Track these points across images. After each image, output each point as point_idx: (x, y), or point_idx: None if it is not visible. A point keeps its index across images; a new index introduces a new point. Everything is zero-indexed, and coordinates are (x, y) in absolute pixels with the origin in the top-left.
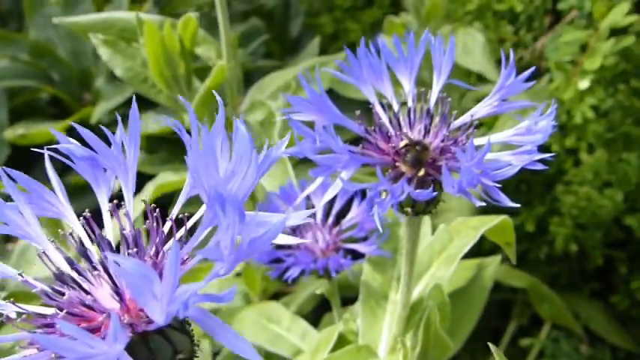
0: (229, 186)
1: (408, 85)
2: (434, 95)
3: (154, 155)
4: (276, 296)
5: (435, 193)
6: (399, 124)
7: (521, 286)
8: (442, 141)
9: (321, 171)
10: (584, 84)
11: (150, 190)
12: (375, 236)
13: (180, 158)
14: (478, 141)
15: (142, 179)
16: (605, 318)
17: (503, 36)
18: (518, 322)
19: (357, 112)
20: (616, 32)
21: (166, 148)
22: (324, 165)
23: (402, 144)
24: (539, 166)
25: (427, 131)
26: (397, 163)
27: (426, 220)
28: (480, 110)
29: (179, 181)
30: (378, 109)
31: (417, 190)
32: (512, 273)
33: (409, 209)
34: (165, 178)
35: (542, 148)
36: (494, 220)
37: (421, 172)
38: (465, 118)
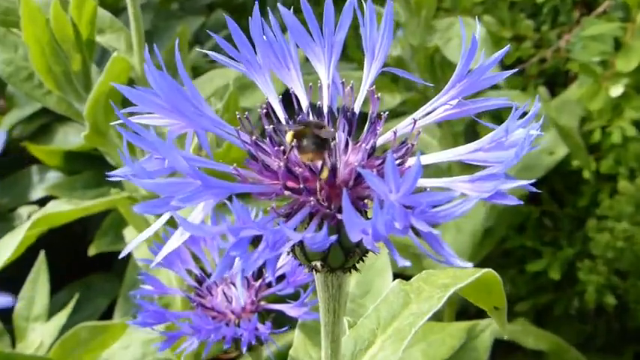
0: None
1: (324, 75)
2: (362, 90)
3: (76, 177)
4: None
5: (332, 238)
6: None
7: (542, 349)
8: (364, 158)
9: (156, 205)
10: (616, 90)
11: (32, 222)
12: (309, 292)
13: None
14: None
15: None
16: None
17: (522, 32)
18: None
19: (245, 114)
20: None
21: (92, 168)
22: (165, 194)
23: (288, 137)
24: (510, 200)
25: (347, 143)
26: (288, 183)
27: (384, 269)
28: (428, 114)
29: (73, 212)
30: (277, 107)
31: (309, 235)
32: (530, 330)
33: (318, 264)
34: (57, 208)
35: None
36: (473, 274)
37: (319, 194)
38: (404, 125)
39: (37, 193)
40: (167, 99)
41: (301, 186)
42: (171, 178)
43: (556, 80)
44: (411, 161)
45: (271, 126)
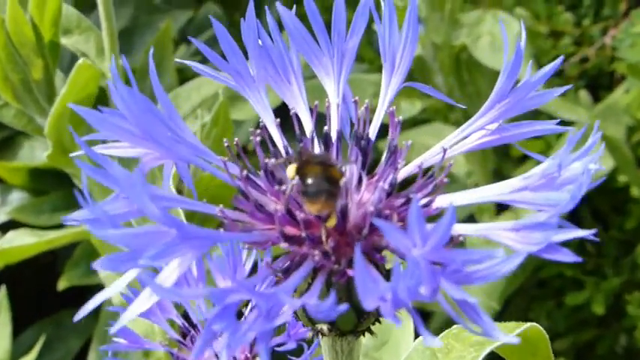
0: None
1: (333, 92)
2: (379, 111)
3: (43, 198)
4: None
5: (342, 308)
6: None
7: None
8: (382, 199)
9: (120, 261)
10: None
11: None
12: (313, 348)
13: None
14: (452, 198)
15: None
16: None
17: (560, 28)
18: None
19: (234, 140)
20: None
21: (61, 187)
22: (131, 247)
23: (290, 172)
24: (564, 255)
25: (360, 179)
26: (286, 230)
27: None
28: (461, 141)
29: (36, 246)
30: (274, 132)
31: (313, 301)
32: None
33: (324, 327)
34: (18, 241)
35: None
36: (514, 329)
37: (326, 244)
38: (431, 155)
39: (0, 216)
40: (137, 123)
41: (303, 234)
42: (141, 228)
43: (599, 83)
44: (440, 201)
45: (269, 160)
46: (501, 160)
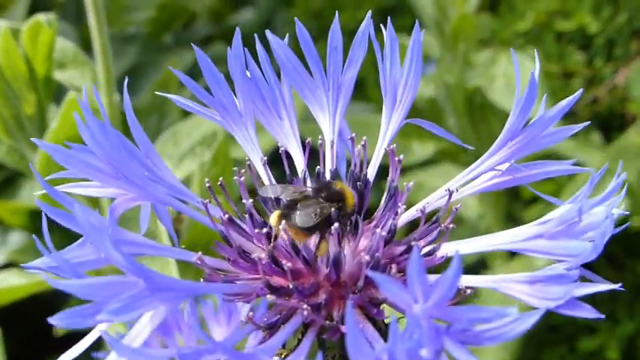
0: None
1: (328, 128)
2: (379, 149)
3: (42, 239)
4: None
5: None
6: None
7: None
8: (380, 247)
9: (80, 315)
10: None
11: None
12: None
13: None
14: (458, 247)
15: None
16: None
17: (571, 68)
18: None
19: (219, 180)
20: None
21: (62, 228)
22: (95, 299)
23: (273, 219)
24: (585, 311)
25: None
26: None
27: None
28: (470, 182)
29: (27, 287)
30: (261, 172)
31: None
32: None
33: None
34: (8, 281)
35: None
36: None
37: (318, 296)
38: (436, 198)
39: None
40: (108, 160)
41: (291, 285)
42: (105, 278)
43: (611, 124)
44: (445, 248)
45: (247, 201)
46: (511, 202)
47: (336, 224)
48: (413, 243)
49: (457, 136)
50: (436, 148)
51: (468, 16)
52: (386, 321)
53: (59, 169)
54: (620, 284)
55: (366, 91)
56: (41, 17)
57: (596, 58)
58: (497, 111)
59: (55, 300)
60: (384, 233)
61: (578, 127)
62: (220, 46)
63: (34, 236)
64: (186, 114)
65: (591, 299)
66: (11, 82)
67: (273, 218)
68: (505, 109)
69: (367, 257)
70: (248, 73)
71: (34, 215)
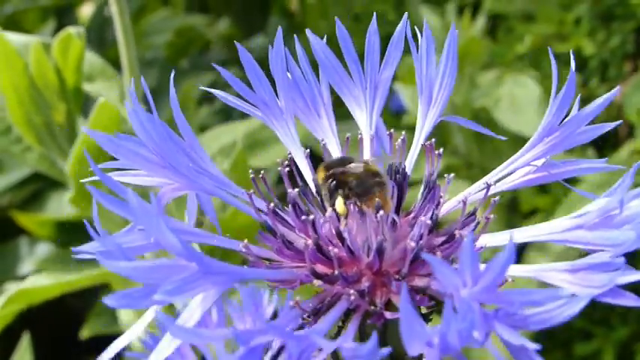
0: None
1: (365, 124)
2: (415, 145)
3: (69, 250)
4: None
5: (384, 351)
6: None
7: None
8: (423, 234)
9: (134, 297)
10: None
11: (6, 300)
12: None
13: None
14: (494, 238)
15: None
16: None
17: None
18: None
19: (260, 173)
20: None
21: (88, 239)
22: (147, 281)
23: (319, 175)
24: (628, 299)
25: (396, 213)
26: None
27: None
28: (506, 177)
29: (55, 288)
30: (302, 165)
31: (349, 344)
32: None
33: None
34: (36, 283)
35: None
36: None
37: (362, 283)
38: (473, 191)
39: (26, 268)
40: (157, 150)
41: (336, 272)
42: (157, 261)
43: (606, 141)
44: (483, 240)
45: (296, 189)
46: (510, 215)
47: (382, 212)
48: (455, 231)
49: (464, 153)
50: (445, 164)
51: (476, 39)
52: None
53: (90, 173)
54: None
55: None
56: (72, 30)
57: (591, 79)
58: (502, 130)
59: (82, 307)
60: (428, 221)
61: (610, 125)
62: (234, 70)
63: (85, 221)
64: (202, 130)
65: (587, 305)
66: (43, 91)
67: (320, 175)
68: (510, 128)
69: (412, 244)
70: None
71: (61, 227)
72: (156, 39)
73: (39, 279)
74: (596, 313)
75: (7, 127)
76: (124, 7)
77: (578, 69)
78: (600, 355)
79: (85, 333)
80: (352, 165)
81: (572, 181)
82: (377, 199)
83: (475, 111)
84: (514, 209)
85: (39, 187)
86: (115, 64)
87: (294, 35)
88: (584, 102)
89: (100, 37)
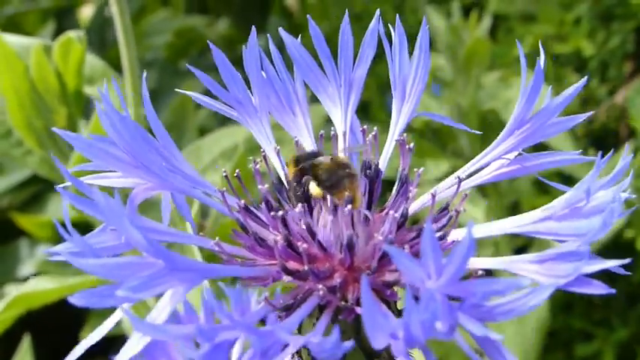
0: None
1: (339, 121)
2: (390, 141)
3: None
4: None
5: (347, 345)
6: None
7: None
8: (393, 230)
9: (98, 295)
10: None
11: (7, 304)
12: None
13: None
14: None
15: None
16: None
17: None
18: None
19: (235, 172)
20: None
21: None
22: (114, 279)
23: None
24: (596, 288)
25: (368, 209)
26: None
27: None
28: (477, 172)
29: (56, 291)
30: (274, 161)
31: (316, 338)
32: None
33: None
34: (37, 286)
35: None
36: None
37: (335, 280)
38: (445, 186)
39: (27, 269)
40: (128, 149)
41: (306, 267)
42: (124, 258)
43: (605, 141)
44: (455, 234)
45: (266, 185)
46: (511, 215)
47: (349, 206)
48: (425, 224)
49: (470, 155)
50: (450, 166)
51: (482, 40)
52: (398, 305)
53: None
54: (627, 261)
55: (371, 113)
56: (72, 34)
57: (592, 79)
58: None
59: (82, 311)
60: (397, 215)
61: (582, 116)
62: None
63: (54, 220)
64: (202, 134)
65: (586, 305)
66: (43, 95)
67: (290, 167)
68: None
69: (380, 238)
70: (263, 73)
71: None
72: (156, 40)
73: (39, 283)
74: (597, 313)
75: (8, 130)
76: (125, 8)
77: (578, 69)
78: (601, 356)
79: (86, 335)
80: (321, 157)
81: (571, 182)
82: (347, 192)
83: (483, 113)
84: (516, 210)
85: (39, 188)
86: (116, 64)
87: (268, 37)
88: (585, 102)
89: (100, 38)
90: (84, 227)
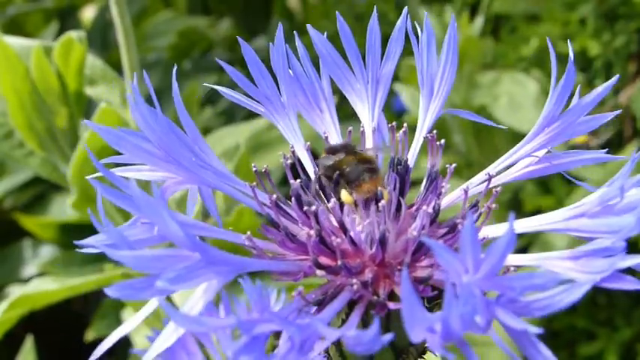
0: None
1: (367, 118)
2: (417, 137)
3: (72, 252)
4: None
5: (386, 338)
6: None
7: None
8: (425, 225)
9: (136, 287)
10: None
11: (9, 304)
12: None
13: None
14: (496, 230)
15: None
16: None
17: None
18: None
19: (264, 168)
20: None
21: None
22: (150, 271)
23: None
24: (629, 283)
25: (398, 207)
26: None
27: None
28: (508, 168)
29: (58, 292)
30: (304, 158)
31: (352, 332)
32: None
33: None
34: (40, 287)
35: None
36: None
37: (366, 276)
38: (475, 183)
39: (30, 270)
40: (160, 144)
41: (339, 262)
42: (160, 250)
43: (610, 141)
44: (486, 231)
45: (298, 180)
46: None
47: (383, 201)
48: (457, 221)
49: (463, 152)
50: (445, 163)
51: (474, 39)
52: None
53: (94, 170)
54: None
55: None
56: (73, 34)
57: (596, 79)
58: (501, 130)
59: (87, 311)
60: (430, 210)
61: (610, 115)
62: (237, 70)
63: (89, 210)
64: (205, 133)
65: (589, 303)
66: (44, 96)
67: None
68: (511, 126)
69: (415, 233)
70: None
71: (63, 229)
72: (158, 41)
73: (42, 283)
74: (600, 313)
75: (9, 131)
76: (125, 10)
77: (583, 69)
78: (604, 356)
79: (90, 336)
80: (341, 154)
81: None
82: (367, 185)
83: (474, 109)
84: (517, 209)
85: (42, 189)
86: (119, 66)
87: (295, 34)
88: None
89: (102, 39)
90: (82, 228)
